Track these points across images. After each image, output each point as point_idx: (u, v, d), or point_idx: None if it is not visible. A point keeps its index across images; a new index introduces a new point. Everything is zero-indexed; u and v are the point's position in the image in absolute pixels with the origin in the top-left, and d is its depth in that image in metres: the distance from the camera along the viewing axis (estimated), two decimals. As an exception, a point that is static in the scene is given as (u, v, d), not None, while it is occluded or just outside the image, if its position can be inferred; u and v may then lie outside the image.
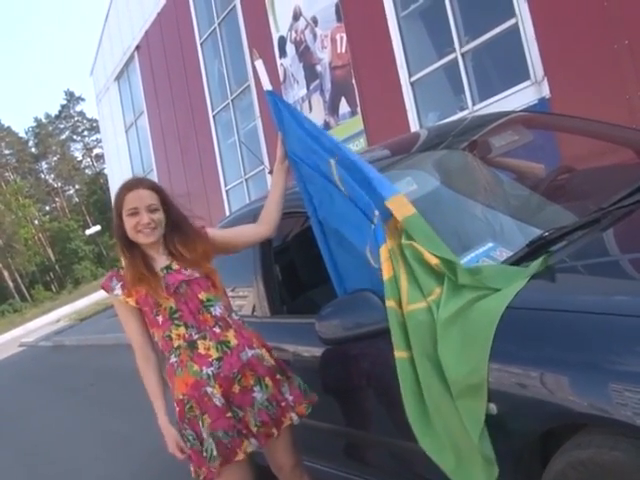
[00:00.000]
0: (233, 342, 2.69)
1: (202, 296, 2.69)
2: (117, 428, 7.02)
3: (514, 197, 2.99)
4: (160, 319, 2.67)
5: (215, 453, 2.56)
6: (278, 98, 2.89)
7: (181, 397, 2.65)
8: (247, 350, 2.71)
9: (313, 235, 2.88)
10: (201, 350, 2.64)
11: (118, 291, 2.70)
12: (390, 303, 2.24)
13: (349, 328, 2.43)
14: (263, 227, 2.93)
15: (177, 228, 2.76)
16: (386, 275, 2.27)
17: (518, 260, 2.31)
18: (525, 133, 3.31)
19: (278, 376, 2.77)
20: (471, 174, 3.04)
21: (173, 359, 2.68)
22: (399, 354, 2.20)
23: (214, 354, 2.64)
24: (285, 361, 3.00)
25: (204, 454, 2.58)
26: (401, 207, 2.32)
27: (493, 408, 2.03)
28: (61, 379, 12.64)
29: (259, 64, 2.93)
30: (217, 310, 2.72)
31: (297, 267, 3.64)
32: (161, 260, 2.74)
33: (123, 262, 2.73)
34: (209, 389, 2.61)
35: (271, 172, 3.07)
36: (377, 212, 2.34)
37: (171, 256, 2.74)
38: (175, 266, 2.71)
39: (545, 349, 1.95)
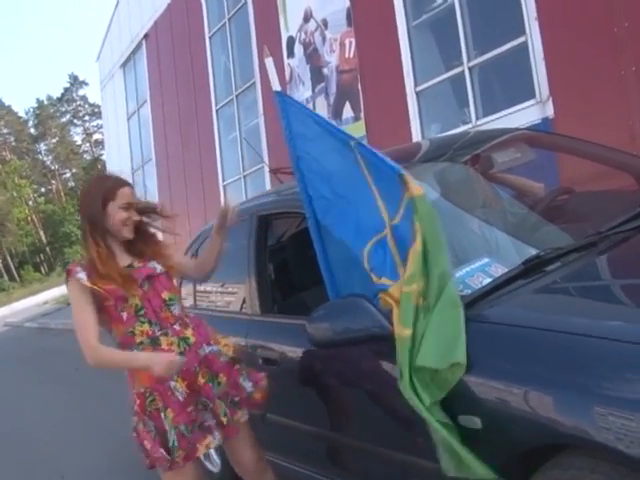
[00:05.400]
0: (192, 339, 2.79)
1: (165, 295, 2.78)
2: (98, 414, 6.98)
3: (512, 214, 3.00)
4: (125, 315, 2.71)
5: (177, 444, 2.63)
6: (287, 98, 2.89)
7: (143, 390, 2.70)
8: (205, 347, 2.81)
9: (309, 236, 2.89)
10: (164, 346, 2.72)
11: (82, 275, 2.68)
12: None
13: (339, 332, 2.43)
14: (197, 273, 3.08)
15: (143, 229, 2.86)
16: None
17: (513, 277, 2.31)
18: (527, 151, 3.32)
19: (237, 366, 2.86)
20: (471, 188, 3.05)
21: None
22: (405, 331, 2.20)
23: (176, 349, 2.72)
24: (272, 360, 3.02)
25: (168, 445, 2.64)
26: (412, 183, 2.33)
27: (477, 422, 2.04)
28: (44, 362, 12.59)
29: (269, 62, 2.92)
30: (176, 310, 2.82)
31: (291, 267, 3.64)
32: (123, 258, 2.79)
33: (92, 252, 2.71)
34: (172, 383, 2.69)
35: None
36: (402, 211, 2.35)
37: (130, 255, 2.81)
38: (137, 264, 2.79)
39: (533, 367, 1.96)
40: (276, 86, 2.89)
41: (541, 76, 6.60)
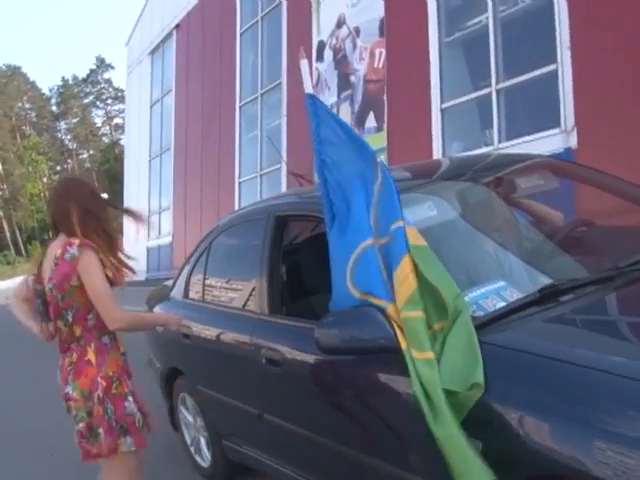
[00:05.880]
0: None
1: None
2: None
3: (530, 241, 3.00)
4: None
5: (142, 424, 2.86)
6: (318, 101, 2.87)
7: (111, 374, 2.85)
8: None
9: (325, 241, 2.87)
10: (118, 342, 2.98)
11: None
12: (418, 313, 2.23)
13: (346, 340, 2.43)
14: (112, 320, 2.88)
15: None
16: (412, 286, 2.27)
17: (527, 304, 2.31)
18: (550, 179, 3.32)
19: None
20: (491, 210, 3.04)
21: (106, 339, 2.91)
22: (425, 354, 2.17)
23: (122, 349, 2.98)
24: (276, 361, 3.01)
25: (137, 424, 2.83)
26: (412, 234, 2.35)
27: (478, 445, 2.03)
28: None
29: (304, 64, 2.92)
30: None
31: (304, 270, 3.63)
32: None
33: (103, 237, 2.97)
34: (125, 375, 2.93)
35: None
36: (402, 221, 2.36)
37: None
38: None
39: (536, 395, 1.95)
40: (308, 88, 2.87)
41: (568, 106, 6.59)
